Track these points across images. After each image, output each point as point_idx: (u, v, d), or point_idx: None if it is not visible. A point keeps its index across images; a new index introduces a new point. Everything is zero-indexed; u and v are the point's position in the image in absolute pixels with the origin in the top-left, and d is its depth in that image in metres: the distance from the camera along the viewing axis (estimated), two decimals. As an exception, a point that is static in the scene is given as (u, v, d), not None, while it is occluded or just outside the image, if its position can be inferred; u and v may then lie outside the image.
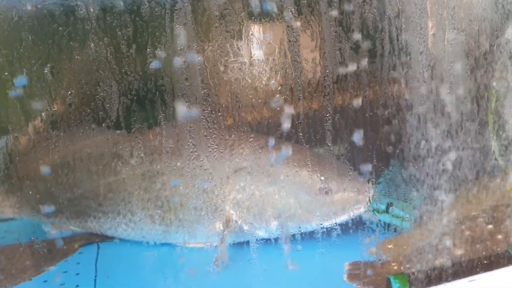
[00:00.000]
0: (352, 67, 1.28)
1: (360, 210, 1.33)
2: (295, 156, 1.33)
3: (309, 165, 1.32)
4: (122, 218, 1.42)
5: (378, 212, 1.42)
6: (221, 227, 1.35)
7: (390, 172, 1.43)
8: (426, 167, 1.40)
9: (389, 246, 1.34)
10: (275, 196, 1.32)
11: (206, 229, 1.37)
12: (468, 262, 1.21)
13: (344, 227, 1.34)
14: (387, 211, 1.42)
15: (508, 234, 1.26)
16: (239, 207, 1.33)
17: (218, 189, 1.34)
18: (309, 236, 1.34)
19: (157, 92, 1.20)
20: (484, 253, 1.23)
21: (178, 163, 1.32)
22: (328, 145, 1.28)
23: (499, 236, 1.24)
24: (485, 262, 1.19)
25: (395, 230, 1.42)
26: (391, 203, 1.43)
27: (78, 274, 1.33)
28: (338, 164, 1.32)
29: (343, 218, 1.33)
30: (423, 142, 1.38)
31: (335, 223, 1.33)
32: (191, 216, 1.35)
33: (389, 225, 1.42)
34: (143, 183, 1.38)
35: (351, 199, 1.33)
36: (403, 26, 1.21)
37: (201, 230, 1.37)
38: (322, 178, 1.31)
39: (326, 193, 1.32)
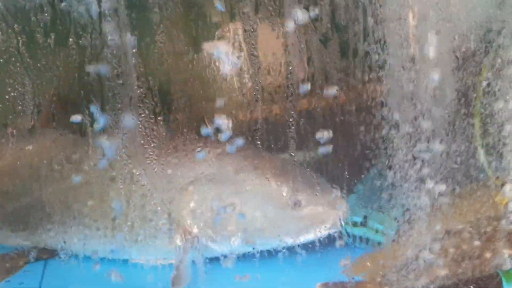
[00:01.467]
0: (321, 69, 1.15)
1: (333, 225, 1.20)
2: (262, 165, 1.19)
3: (277, 175, 1.18)
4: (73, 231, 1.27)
5: (353, 225, 1.29)
6: (179, 242, 1.21)
7: (365, 181, 1.30)
8: (404, 174, 1.28)
9: (366, 263, 1.22)
10: (239, 208, 1.18)
11: (163, 244, 1.22)
12: (452, 284, 1.09)
13: (316, 243, 1.20)
14: (363, 224, 1.29)
15: (497, 252, 1.14)
16: (199, 219, 1.19)
17: (177, 199, 1.20)
18: (276, 253, 1.20)
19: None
20: (471, 273, 1.11)
21: (133, 170, 1.17)
22: (297, 153, 1.15)
23: (487, 255, 1.12)
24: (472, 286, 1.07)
25: (372, 245, 1.30)
26: (368, 215, 1.30)
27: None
28: (309, 174, 1.19)
29: (314, 233, 1.20)
30: (402, 148, 1.26)
31: (305, 239, 1.20)
32: (147, 230, 1.21)
33: (366, 239, 1.29)
34: (93, 192, 1.23)
35: (323, 213, 1.20)
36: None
37: (158, 245, 1.23)
38: (291, 189, 1.18)
39: (296, 206, 1.18)
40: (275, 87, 1.14)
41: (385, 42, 1.11)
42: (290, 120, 1.14)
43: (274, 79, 1.13)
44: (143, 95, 1.03)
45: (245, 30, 1.02)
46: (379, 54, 1.13)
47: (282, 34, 1.05)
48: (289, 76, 1.08)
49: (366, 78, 1.17)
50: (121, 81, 0.99)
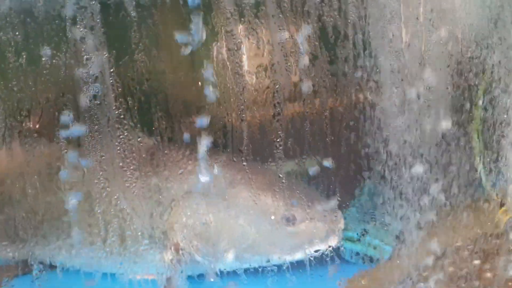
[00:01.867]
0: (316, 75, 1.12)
1: (329, 242, 1.16)
2: (254, 178, 1.15)
3: (270, 189, 1.14)
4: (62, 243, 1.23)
5: (349, 241, 1.25)
6: (170, 257, 1.17)
7: (361, 195, 1.26)
8: (404, 187, 1.25)
9: (362, 281, 1.18)
10: (231, 223, 1.15)
11: (153, 259, 1.18)
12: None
13: (311, 260, 1.16)
14: (359, 240, 1.25)
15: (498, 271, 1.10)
16: (190, 234, 1.15)
17: (167, 213, 1.16)
18: (269, 270, 1.16)
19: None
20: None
21: (125, 181, 1.13)
22: (291, 166, 1.12)
23: (488, 274, 1.08)
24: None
25: (370, 261, 1.26)
26: (365, 229, 1.26)
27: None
28: (304, 188, 1.15)
29: (308, 250, 1.16)
30: (401, 160, 1.22)
31: (299, 256, 1.16)
32: (136, 244, 1.17)
33: (362, 256, 1.25)
34: (83, 203, 1.19)
35: (318, 229, 1.16)
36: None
37: (148, 260, 1.19)
38: (285, 204, 1.14)
39: (290, 222, 1.14)
40: (264, 101, 1.10)
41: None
42: (284, 132, 1.11)
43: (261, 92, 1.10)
44: (122, 116, 1.01)
45: (228, 49, 0.99)
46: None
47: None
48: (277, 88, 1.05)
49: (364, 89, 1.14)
50: (98, 102, 0.96)
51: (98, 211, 1.12)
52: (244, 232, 1.14)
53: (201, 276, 1.16)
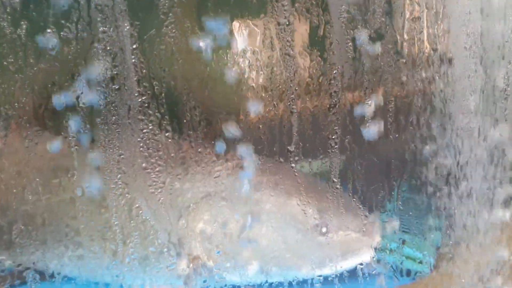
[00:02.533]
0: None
1: (366, 256, 1.02)
2: (283, 182, 1.01)
3: (302, 194, 1.00)
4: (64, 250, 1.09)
5: (387, 253, 1.11)
6: (186, 268, 1.03)
7: (399, 200, 1.12)
8: (447, 191, 1.11)
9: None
10: (255, 231, 1.01)
11: (168, 270, 1.05)
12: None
13: (345, 275, 1.03)
14: (398, 251, 1.11)
15: None
16: (208, 243, 1.02)
17: (183, 219, 1.02)
18: (297, 286, 1.03)
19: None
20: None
21: (135, 181, 0.99)
22: (328, 170, 0.97)
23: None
24: None
25: (408, 275, 1.12)
26: (404, 240, 1.12)
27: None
28: (340, 195, 1.00)
29: (342, 263, 1.02)
30: (447, 158, 1.09)
31: (332, 270, 1.02)
32: (149, 253, 1.03)
33: (401, 269, 1.11)
34: (88, 207, 1.05)
35: (355, 242, 1.02)
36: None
37: (161, 272, 1.05)
38: (318, 212, 1.00)
39: (323, 232, 1.00)
40: (300, 95, 0.95)
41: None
42: (318, 131, 0.97)
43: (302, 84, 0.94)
44: (146, 105, 0.84)
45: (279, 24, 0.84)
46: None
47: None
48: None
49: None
50: (116, 86, 0.81)
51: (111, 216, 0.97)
52: (272, 242, 1.00)
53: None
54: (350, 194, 1.02)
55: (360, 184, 1.01)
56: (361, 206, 1.02)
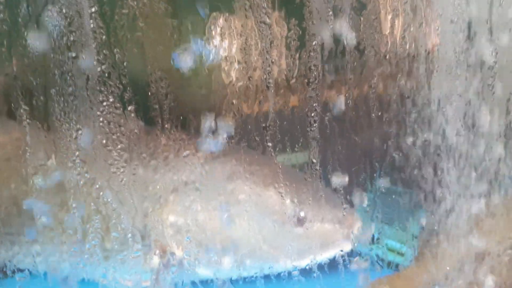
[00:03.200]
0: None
1: (345, 247, 0.99)
2: (260, 171, 0.97)
3: (279, 184, 0.96)
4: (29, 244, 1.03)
5: (365, 244, 1.07)
6: (156, 262, 0.98)
7: (377, 189, 1.09)
8: (427, 179, 1.08)
9: (382, 289, 1.02)
10: (230, 223, 0.96)
11: (137, 264, 1.00)
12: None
13: (323, 267, 0.99)
14: (377, 242, 1.08)
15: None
16: (180, 235, 0.97)
17: (154, 209, 0.97)
18: (276, 279, 0.99)
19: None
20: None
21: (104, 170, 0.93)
22: (302, 158, 0.93)
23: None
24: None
25: (389, 266, 1.09)
26: (382, 231, 1.09)
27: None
28: (317, 185, 0.96)
29: (320, 255, 0.99)
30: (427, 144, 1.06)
31: (309, 262, 0.98)
32: (117, 244, 0.98)
33: (381, 260, 1.08)
34: (49, 199, 0.98)
35: (332, 231, 0.98)
36: None
37: (131, 265, 1.00)
38: (296, 202, 0.96)
39: (300, 223, 0.97)
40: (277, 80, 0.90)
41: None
42: (294, 116, 0.92)
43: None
44: (106, 75, 0.77)
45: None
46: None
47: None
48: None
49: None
50: (73, 54, 0.74)
51: (74, 205, 0.91)
52: (247, 234, 0.96)
53: (195, 284, 0.98)
54: (329, 185, 0.97)
55: (339, 174, 0.97)
56: (339, 196, 0.98)
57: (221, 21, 0.84)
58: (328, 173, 0.97)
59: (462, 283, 1.00)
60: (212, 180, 0.94)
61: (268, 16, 0.81)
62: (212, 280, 0.97)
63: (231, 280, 0.97)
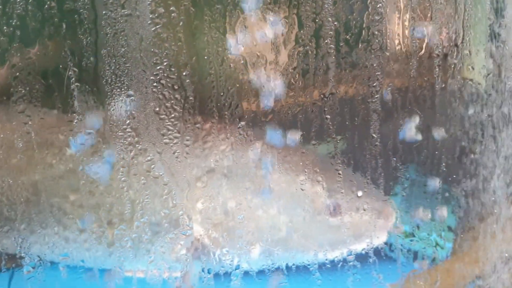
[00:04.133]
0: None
1: (380, 239, 0.94)
2: (291, 158, 0.93)
3: (311, 172, 0.92)
4: (50, 232, 1.00)
5: (402, 236, 1.03)
6: (184, 250, 0.95)
7: (414, 180, 1.04)
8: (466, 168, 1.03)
9: (419, 283, 0.97)
10: (260, 212, 0.93)
11: (165, 253, 0.97)
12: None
13: (356, 259, 0.95)
14: (413, 235, 1.03)
15: None
16: (210, 224, 0.94)
17: (181, 197, 0.94)
18: (307, 271, 0.95)
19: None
20: None
21: (124, 157, 0.89)
22: (337, 145, 0.89)
23: None
24: None
25: (425, 259, 1.04)
26: (418, 225, 1.04)
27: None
28: (352, 174, 0.92)
29: (355, 247, 0.95)
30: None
31: (345, 255, 0.94)
32: (143, 234, 0.95)
33: (416, 254, 1.03)
34: (76, 185, 0.96)
35: (367, 222, 0.94)
36: None
37: (157, 254, 0.97)
38: (329, 191, 0.92)
39: (334, 212, 0.93)
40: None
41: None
42: (329, 103, 0.88)
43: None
44: (161, 35, 0.75)
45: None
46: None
47: None
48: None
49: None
50: (126, 11, 0.72)
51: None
52: (278, 223, 0.92)
53: (225, 274, 0.95)
54: (363, 174, 0.93)
55: (373, 165, 0.93)
56: (374, 187, 0.94)
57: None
58: (362, 162, 0.93)
59: (508, 276, 0.96)
60: (243, 166, 0.91)
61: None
62: (242, 270, 0.94)
63: (260, 270, 0.94)
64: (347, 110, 0.89)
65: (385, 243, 0.96)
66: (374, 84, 0.90)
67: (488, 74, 1.02)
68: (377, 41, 0.87)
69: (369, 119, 0.91)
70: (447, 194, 1.03)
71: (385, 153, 0.95)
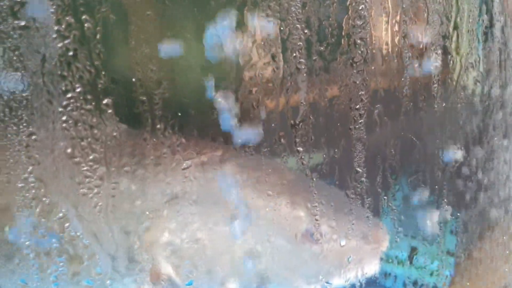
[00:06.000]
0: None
1: (368, 264, 0.84)
2: (267, 179, 0.82)
3: (290, 194, 0.81)
4: None
5: (395, 263, 0.92)
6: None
7: (407, 200, 0.94)
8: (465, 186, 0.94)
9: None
10: (234, 241, 0.82)
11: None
12: None
13: (344, 291, 0.84)
14: (409, 261, 0.93)
15: None
16: (176, 257, 0.83)
17: (143, 226, 0.82)
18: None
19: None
20: None
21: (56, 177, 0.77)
22: (318, 165, 0.79)
23: None
24: None
25: (421, 289, 0.94)
26: (415, 248, 0.94)
27: None
28: (336, 194, 0.82)
29: (341, 277, 0.84)
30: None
31: (330, 286, 0.83)
32: (102, 268, 0.84)
33: (414, 282, 0.93)
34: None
35: (355, 248, 0.83)
36: None
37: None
38: (311, 214, 0.81)
39: (315, 240, 0.82)
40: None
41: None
42: (307, 119, 0.78)
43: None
44: (71, 54, 0.61)
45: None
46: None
47: None
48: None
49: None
50: (22, 23, 0.59)
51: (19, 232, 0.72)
52: (255, 253, 0.82)
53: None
54: (351, 194, 0.83)
55: (361, 182, 0.83)
56: (364, 208, 0.84)
57: None
58: (349, 180, 0.83)
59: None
60: (212, 190, 0.80)
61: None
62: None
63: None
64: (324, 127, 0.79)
65: (377, 272, 0.85)
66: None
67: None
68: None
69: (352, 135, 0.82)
70: (447, 215, 0.93)
71: (373, 170, 0.85)
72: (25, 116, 0.61)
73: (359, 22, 0.72)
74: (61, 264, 0.69)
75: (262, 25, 0.67)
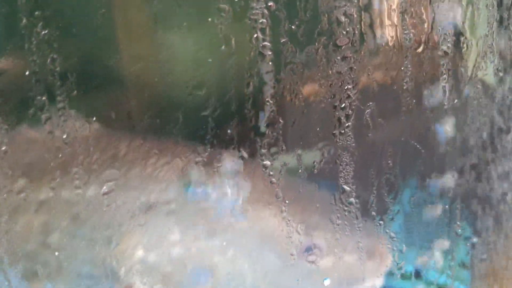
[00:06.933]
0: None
1: (372, 280, 0.75)
2: (256, 187, 0.73)
3: (284, 206, 0.72)
4: None
5: (402, 278, 0.83)
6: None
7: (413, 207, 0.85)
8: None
9: None
10: (220, 257, 0.73)
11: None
12: None
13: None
14: (417, 276, 0.84)
15: None
16: (152, 272, 0.73)
17: (117, 241, 0.73)
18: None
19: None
20: None
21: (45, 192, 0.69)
22: (319, 172, 0.69)
23: None
24: None
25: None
26: (424, 262, 0.85)
27: None
28: (335, 206, 0.72)
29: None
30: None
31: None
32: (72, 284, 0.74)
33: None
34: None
35: (357, 267, 0.75)
36: None
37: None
38: (306, 227, 0.72)
39: (312, 254, 0.73)
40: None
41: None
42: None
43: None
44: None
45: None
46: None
47: None
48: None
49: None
50: None
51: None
52: (243, 271, 0.73)
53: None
54: (350, 204, 0.73)
55: (361, 190, 0.73)
56: (365, 219, 0.74)
57: None
58: (348, 189, 0.73)
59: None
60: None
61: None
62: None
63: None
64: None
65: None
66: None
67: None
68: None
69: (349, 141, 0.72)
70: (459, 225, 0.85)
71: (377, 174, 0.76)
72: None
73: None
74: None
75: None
